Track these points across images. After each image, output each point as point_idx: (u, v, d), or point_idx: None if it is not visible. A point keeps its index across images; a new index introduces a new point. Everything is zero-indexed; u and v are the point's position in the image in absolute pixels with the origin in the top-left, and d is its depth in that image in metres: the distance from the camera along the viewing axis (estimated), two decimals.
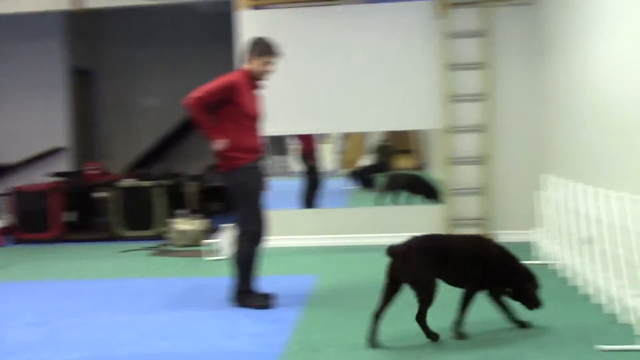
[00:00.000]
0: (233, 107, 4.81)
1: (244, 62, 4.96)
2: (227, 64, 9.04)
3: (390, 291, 3.91)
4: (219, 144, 4.80)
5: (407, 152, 9.25)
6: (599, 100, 5.15)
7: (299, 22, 7.42)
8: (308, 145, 8.46)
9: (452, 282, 4.04)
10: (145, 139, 11.01)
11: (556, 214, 5.61)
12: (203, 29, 10.69)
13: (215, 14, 9.84)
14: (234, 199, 4.94)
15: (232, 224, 5.03)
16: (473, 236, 4.69)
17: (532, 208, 6.61)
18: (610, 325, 4.15)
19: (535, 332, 4.08)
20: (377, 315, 3.91)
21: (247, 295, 4.89)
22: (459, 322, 3.99)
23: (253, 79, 4.94)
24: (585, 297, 4.80)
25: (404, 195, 8.03)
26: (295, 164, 8.75)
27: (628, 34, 4.49)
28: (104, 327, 4.55)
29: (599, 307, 4.51)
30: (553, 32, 6.46)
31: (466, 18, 7.22)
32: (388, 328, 4.02)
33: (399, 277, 3.88)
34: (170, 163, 10.74)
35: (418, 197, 7.87)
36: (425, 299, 3.84)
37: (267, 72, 4.95)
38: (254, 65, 4.90)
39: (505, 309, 4.14)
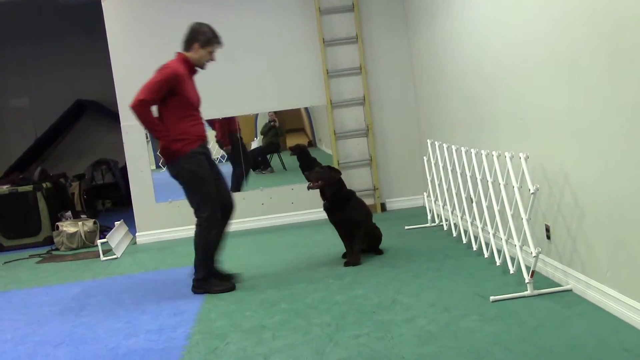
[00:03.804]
0: (176, 97, 4.66)
1: (184, 49, 4.79)
2: (96, 56, 8.66)
3: None
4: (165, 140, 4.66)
5: (298, 130, 9.29)
6: (463, 67, 5.33)
7: (168, 7, 7.17)
8: (221, 130, 8.21)
9: None
10: (19, 142, 10.42)
11: (442, 177, 5.79)
12: (67, 22, 10.17)
13: (78, 5, 9.36)
14: (186, 187, 4.80)
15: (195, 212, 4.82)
16: None
17: (419, 174, 6.80)
18: (502, 276, 4.35)
19: (432, 290, 4.21)
20: None
21: (207, 281, 4.81)
22: None
23: (192, 66, 4.81)
24: (477, 253, 5.01)
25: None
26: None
27: (488, 3, 4.67)
28: None
29: (490, 261, 4.71)
30: (419, 3, 6.61)
31: None
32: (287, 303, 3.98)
33: None
34: (50, 164, 10.22)
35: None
36: None
37: (209, 60, 4.84)
38: (197, 53, 4.77)
39: None
